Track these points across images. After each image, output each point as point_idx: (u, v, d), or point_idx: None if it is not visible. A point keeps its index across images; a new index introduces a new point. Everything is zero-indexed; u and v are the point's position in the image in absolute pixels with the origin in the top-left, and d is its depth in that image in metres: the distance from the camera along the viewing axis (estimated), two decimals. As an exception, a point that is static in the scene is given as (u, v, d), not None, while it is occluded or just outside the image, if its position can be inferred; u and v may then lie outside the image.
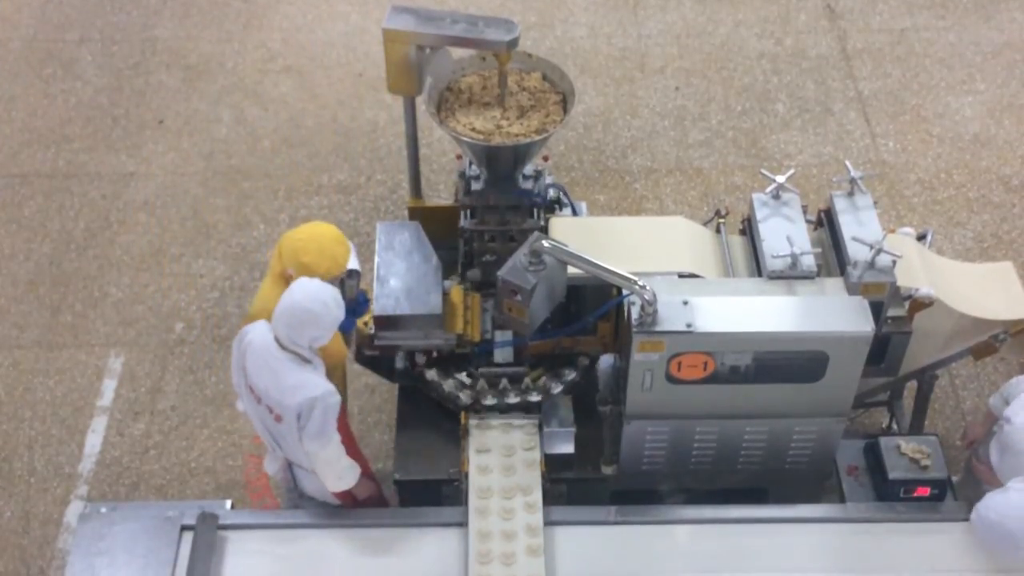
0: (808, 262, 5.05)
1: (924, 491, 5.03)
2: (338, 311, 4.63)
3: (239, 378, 4.89)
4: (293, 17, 9.13)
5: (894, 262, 4.95)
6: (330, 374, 5.30)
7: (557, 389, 5.31)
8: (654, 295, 4.67)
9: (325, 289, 4.63)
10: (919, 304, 5.13)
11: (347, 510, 5.00)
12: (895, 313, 5.12)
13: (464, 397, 5.28)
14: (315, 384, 4.65)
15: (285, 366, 4.64)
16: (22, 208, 7.74)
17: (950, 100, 8.41)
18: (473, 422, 5.22)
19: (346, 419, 5.06)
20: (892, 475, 5.04)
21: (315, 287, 4.62)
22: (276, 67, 8.70)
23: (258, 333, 4.76)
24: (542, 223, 5.47)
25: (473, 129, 5.32)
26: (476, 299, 5.42)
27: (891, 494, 5.05)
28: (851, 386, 4.96)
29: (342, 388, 5.46)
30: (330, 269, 4.96)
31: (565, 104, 5.47)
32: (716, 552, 4.81)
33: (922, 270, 5.25)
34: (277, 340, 4.66)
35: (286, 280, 5.02)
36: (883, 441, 5.16)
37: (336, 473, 4.82)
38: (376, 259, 5.38)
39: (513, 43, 5.36)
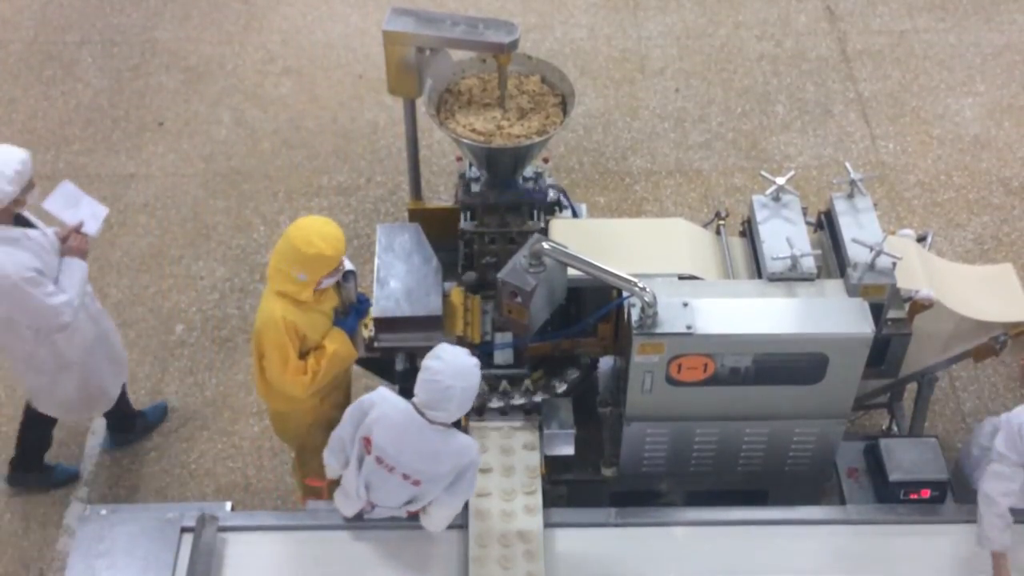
0: (808, 264, 5.05)
1: (925, 493, 5.03)
2: (479, 368, 4.53)
3: (348, 443, 4.71)
4: (293, 19, 9.14)
5: (894, 264, 4.95)
6: (339, 378, 5.33)
7: (557, 391, 5.30)
8: (654, 297, 4.67)
9: (467, 358, 4.48)
10: (919, 306, 5.13)
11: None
12: (895, 315, 5.12)
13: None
14: (469, 447, 4.58)
15: (437, 437, 4.51)
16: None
17: (950, 102, 8.41)
18: (473, 423, 5.21)
19: None
20: (892, 477, 5.04)
21: (465, 365, 4.44)
22: (276, 69, 8.70)
23: (392, 407, 4.57)
24: (542, 225, 5.47)
25: (474, 131, 5.32)
26: (476, 301, 5.42)
27: (891, 496, 5.05)
28: (851, 388, 4.96)
29: (346, 390, 5.47)
30: (337, 248, 4.91)
31: (565, 105, 5.47)
32: (716, 554, 4.81)
33: (922, 272, 5.25)
34: (423, 414, 4.50)
35: (291, 294, 4.96)
36: (883, 443, 5.16)
37: (451, 518, 4.74)
38: (376, 261, 5.38)
39: (513, 45, 5.37)
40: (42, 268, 5.25)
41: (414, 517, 4.77)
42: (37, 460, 6.23)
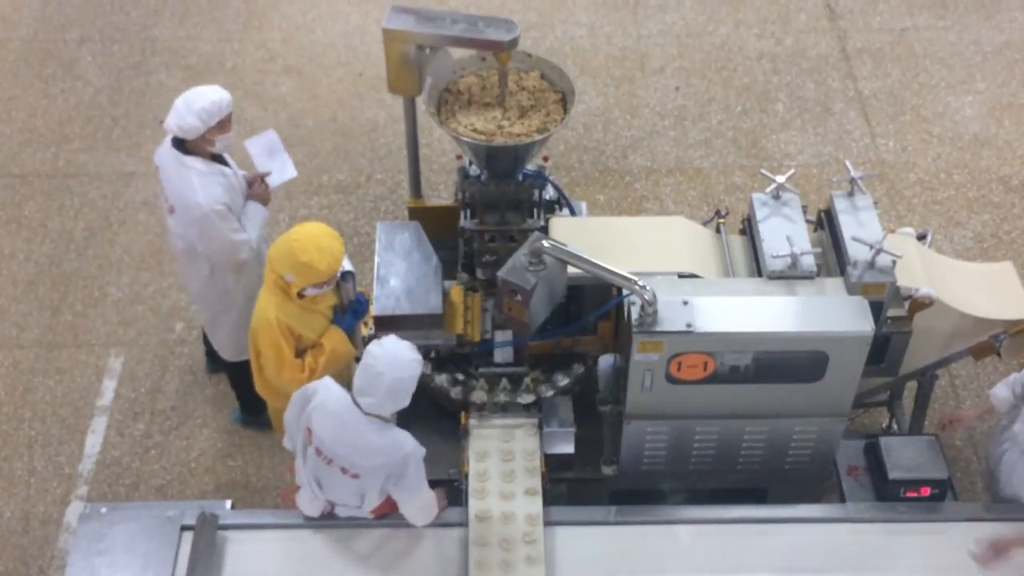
0: (808, 262, 5.05)
1: (925, 491, 5.03)
2: (420, 365, 4.53)
3: (294, 430, 4.77)
4: (293, 17, 9.13)
5: (894, 262, 4.95)
6: (337, 375, 5.33)
7: (557, 389, 5.30)
8: (654, 295, 4.67)
9: (407, 349, 4.49)
10: (919, 304, 5.13)
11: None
12: (895, 313, 5.12)
13: (463, 396, 5.28)
14: (403, 441, 4.56)
15: (371, 429, 4.52)
16: (22, 208, 7.74)
17: (950, 100, 8.41)
18: (473, 422, 5.22)
19: None
20: (892, 475, 5.04)
21: (402, 353, 4.46)
22: (276, 67, 8.69)
23: (331, 397, 4.61)
24: (542, 223, 5.47)
25: (474, 130, 5.32)
26: (476, 299, 5.43)
27: (891, 494, 5.05)
28: (851, 386, 4.96)
29: (346, 388, 5.47)
30: (331, 265, 4.93)
31: (564, 103, 5.47)
32: (716, 552, 4.81)
33: (922, 270, 5.25)
34: (359, 406, 4.52)
35: (283, 289, 5.00)
36: (883, 441, 5.16)
37: (424, 510, 4.74)
38: (376, 259, 5.38)
39: (513, 43, 5.36)
40: (230, 204, 5.53)
41: (383, 516, 4.78)
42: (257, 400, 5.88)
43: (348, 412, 4.53)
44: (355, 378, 4.51)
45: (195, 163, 5.49)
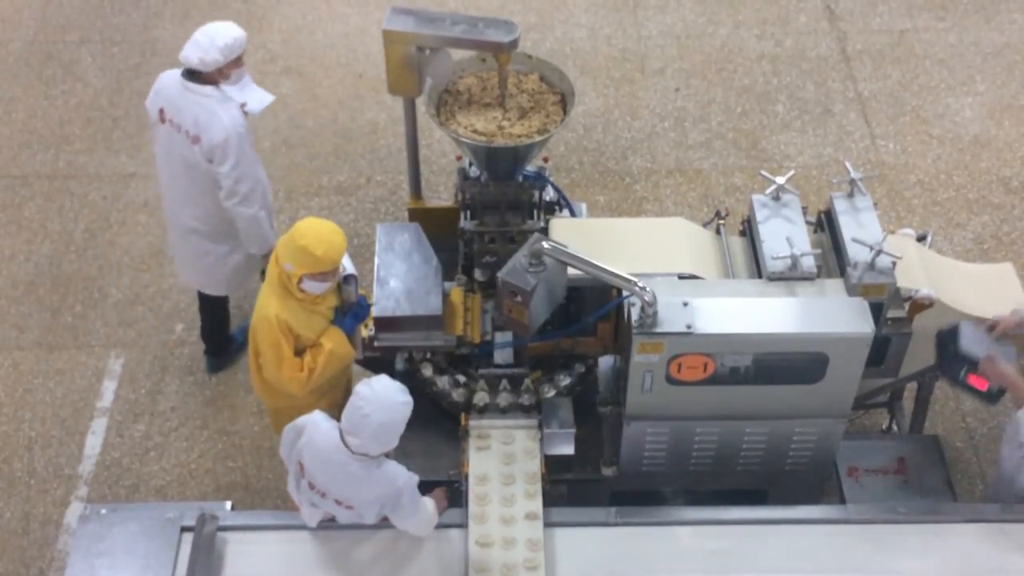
0: (808, 263, 5.05)
1: (982, 384, 5.00)
2: (411, 399, 4.46)
3: (289, 462, 4.74)
4: (293, 18, 9.14)
5: (894, 263, 4.95)
6: (337, 377, 5.33)
7: (557, 390, 5.30)
8: (654, 296, 4.67)
9: (396, 392, 4.41)
10: (919, 305, 5.13)
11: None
12: (895, 314, 5.12)
13: (464, 398, 5.29)
14: (395, 476, 4.50)
15: (360, 468, 4.46)
16: (22, 209, 7.74)
17: (950, 101, 8.41)
18: (473, 423, 5.22)
19: None
20: (963, 348, 5.00)
21: (390, 396, 4.38)
22: (276, 68, 8.69)
23: (320, 433, 4.54)
24: (542, 224, 5.47)
25: (474, 131, 5.32)
26: (476, 300, 5.43)
27: (953, 369, 5.04)
28: (851, 387, 4.96)
29: (345, 389, 5.47)
30: (327, 252, 4.87)
31: (564, 104, 5.47)
32: (716, 553, 4.81)
33: (922, 271, 5.25)
34: (347, 445, 4.45)
35: (285, 286, 5.00)
36: (964, 324, 5.11)
37: (423, 525, 4.71)
38: (376, 260, 5.38)
39: (513, 44, 5.37)
40: (248, 129, 5.85)
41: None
42: (224, 337, 6.80)
43: (336, 451, 4.47)
44: (343, 417, 4.45)
45: (211, 91, 5.75)
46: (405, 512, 4.58)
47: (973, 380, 5.02)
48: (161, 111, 5.87)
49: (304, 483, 4.66)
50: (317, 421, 4.61)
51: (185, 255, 6.35)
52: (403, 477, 4.52)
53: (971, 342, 5.04)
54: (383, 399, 4.38)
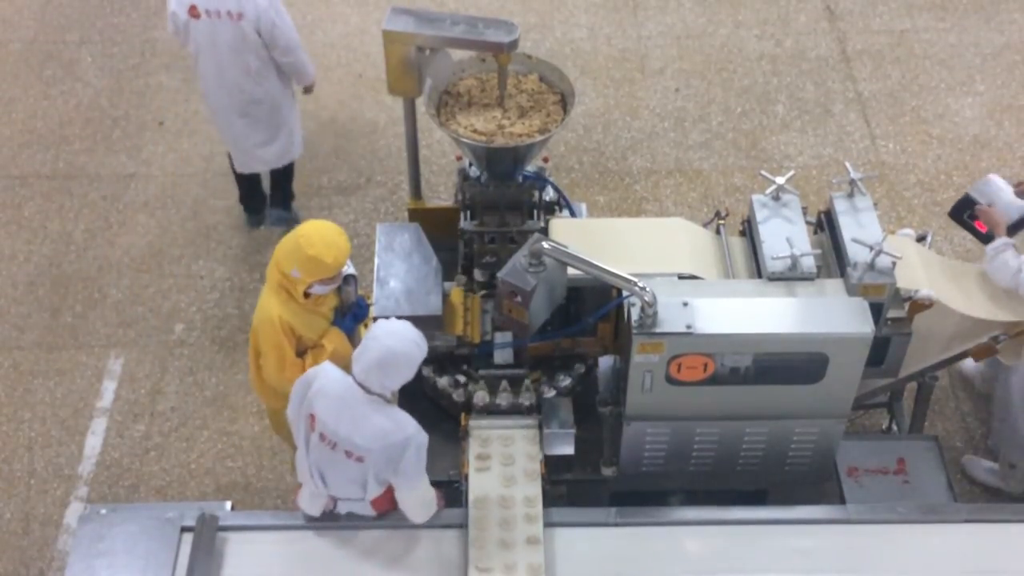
0: (808, 263, 5.05)
1: (983, 227, 5.48)
2: (425, 348, 4.56)
3: (298, 420, 4.75)
4: (293, 19, 9.08)
5: (894, 263, 4.95)
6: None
7: (557, 390, 5.30)
8: (654, 296, 4.67)
9: (410, 329, 4.53)
10: (919, 305, 5.13)
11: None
12: (895, 314, 5.12)
13: (464, 398, 5.29)
14: (405, 423, 4.56)
15: (372, 409, 4.52)
16: (22, 209, 7.74)
17: (950, 101, 8.41)
18: (473, 423, 5.22)
19: None
20: (972, 192, 5.58)
21: (401, 329, 4.51)
22: (276, 68, 8.69)
23: (331, 380, 4.61)
24: (542, 224, 5.47)
25: (474, 131, 5.32)
26: (476, 300, 5.43)
27: (959, 210, 5.63)
28: (851, 387, 4.96)
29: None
30: (337, 258, 4.93)
31: (564, 104, 5.47)
32: (716, 553, 4.81)
33: (922, 271, 5.25)
34: (362, 385, 4.52)
35: (287, 289, 5.00)
36: (993, 177, 5.64)
37: (423, 505, 4.75)
38: (376, 260, 5.38)
39: (513, 45, 5.36)
40: None
41: (383, 516, 4.78)
42: (261, 196, 7.49)
43: (349, 391, 4.54)
44: (356, 353, 4.53)
45: None
46: (408, 471, 4.58)
47: (978, 223, 5.54)
48: (193, 7, 6.19)
49: (314, 438, 4.64)
50: (327, 369, 4.67)
51: (254, 142, 6.89)
52: (413, 427, 4.56)
53: (983, 190, 5.61)
54: (394, 328, 4.51)
